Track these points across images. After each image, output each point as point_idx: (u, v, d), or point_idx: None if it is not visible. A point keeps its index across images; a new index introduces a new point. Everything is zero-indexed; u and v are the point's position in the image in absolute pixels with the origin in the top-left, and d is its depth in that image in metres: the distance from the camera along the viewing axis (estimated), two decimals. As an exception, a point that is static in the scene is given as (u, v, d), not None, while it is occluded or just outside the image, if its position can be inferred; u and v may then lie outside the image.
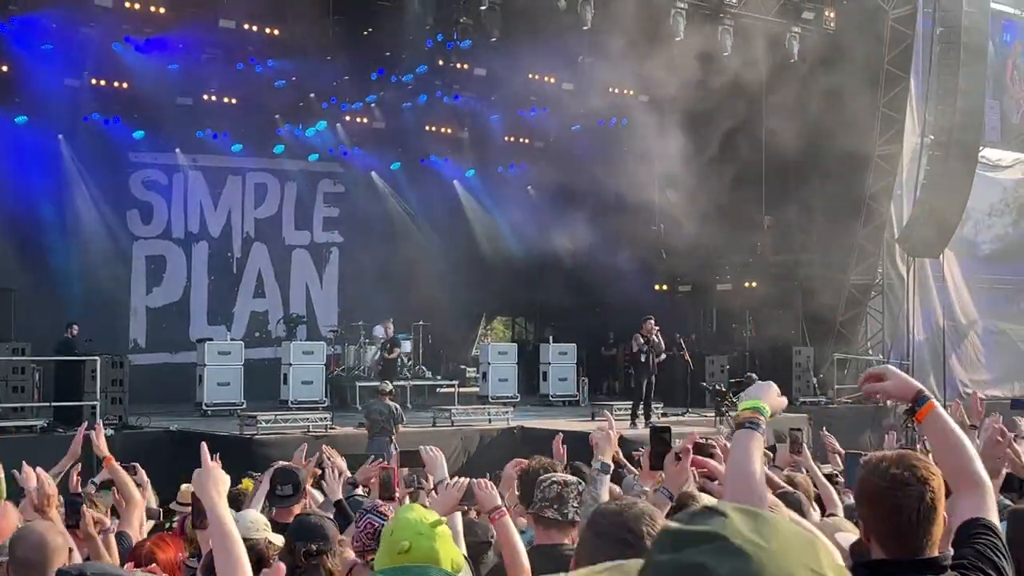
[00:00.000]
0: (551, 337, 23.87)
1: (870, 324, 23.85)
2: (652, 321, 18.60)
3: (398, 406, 15.64)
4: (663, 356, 18.93)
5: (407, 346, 21.89)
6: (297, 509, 6.00)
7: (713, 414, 18.44)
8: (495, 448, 16.80)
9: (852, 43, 21.48)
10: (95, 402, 16.04)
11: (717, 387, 19.27)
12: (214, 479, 3.27)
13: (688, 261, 26.05)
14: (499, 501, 4.47)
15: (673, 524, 1.29)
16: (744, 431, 3.11)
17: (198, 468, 3.33)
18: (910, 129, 22.81)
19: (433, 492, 5.04)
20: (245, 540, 4.52)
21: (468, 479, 4.47)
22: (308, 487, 6.95)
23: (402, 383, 21.18)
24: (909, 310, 22.56)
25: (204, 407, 18.97)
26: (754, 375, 17.75)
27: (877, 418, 21.79)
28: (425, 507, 3.69)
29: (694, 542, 1.25)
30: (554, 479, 4.64)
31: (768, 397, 3.16)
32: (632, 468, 7.30)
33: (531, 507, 4.64)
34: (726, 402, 17.85)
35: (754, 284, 24.63)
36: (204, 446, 3.50)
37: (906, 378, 3.30)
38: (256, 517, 4.88)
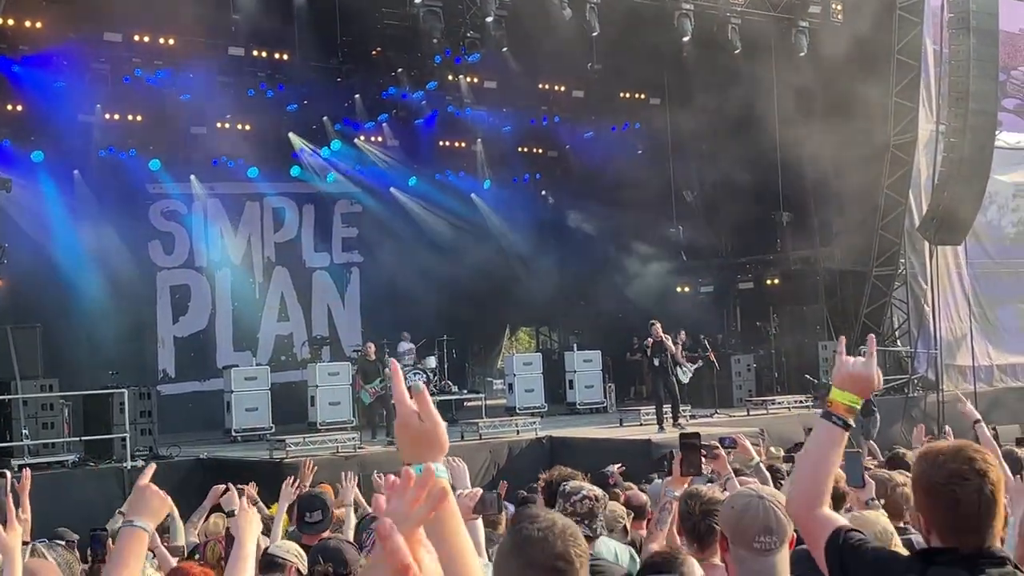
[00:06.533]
0: (575, 345, 23.85)
1: (895, 315, 23.70)
2: (658, 325, 18.56)
3: None
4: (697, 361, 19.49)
5: (431, 361, 21.89)
6: (327, 535, 6.00)
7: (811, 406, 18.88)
8: (524, 459, 16.76)
9: (861, 34, 21.39)
10: (124, 434, 16.08)
11: (820, 380, 19.65)
12: (251, 520, 3.66)
13: (708, 261, 26.01)
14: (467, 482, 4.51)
15: None
16: (828, 425, 3.08)
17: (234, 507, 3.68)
18: (924, 117, 22.67)
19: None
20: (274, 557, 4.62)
21: (480, 489, 4.48)
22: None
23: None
24: (934, 299, 22.36)
25: (234, 433, 19.02)
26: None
27: (908, 409, 21.65)
28: None
29: None
30: (585, 493, 4.49)
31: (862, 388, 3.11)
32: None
33: None
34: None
35: (776, 281, 24.52)
36: (232, 490, 3.74)
37: None
38: (291, 546, 4.92)
